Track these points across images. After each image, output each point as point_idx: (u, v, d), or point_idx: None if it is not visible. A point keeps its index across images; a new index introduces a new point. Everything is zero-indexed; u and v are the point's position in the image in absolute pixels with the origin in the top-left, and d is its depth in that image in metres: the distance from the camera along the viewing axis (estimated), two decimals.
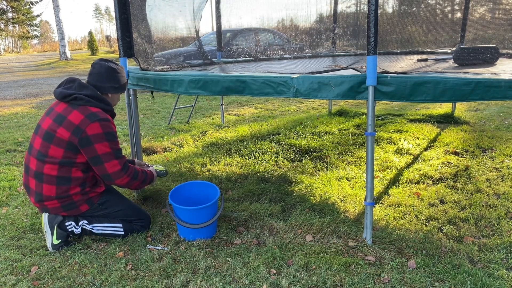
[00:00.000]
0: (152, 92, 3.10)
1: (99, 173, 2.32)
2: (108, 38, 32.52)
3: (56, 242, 2.32)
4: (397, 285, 1.92)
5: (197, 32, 3.93)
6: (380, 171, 3.44)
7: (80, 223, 2.39)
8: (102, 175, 2.32)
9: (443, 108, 5.86)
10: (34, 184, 2.31)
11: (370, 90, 2.08)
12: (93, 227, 2.41)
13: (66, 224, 2.36)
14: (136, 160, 2.83)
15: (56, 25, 18.60)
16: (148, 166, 2.79)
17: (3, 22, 26.47)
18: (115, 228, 2.45)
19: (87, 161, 2.31)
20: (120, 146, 4.52)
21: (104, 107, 2.38)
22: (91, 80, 2.43)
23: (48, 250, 2.34)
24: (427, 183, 3.15)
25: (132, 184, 2.43)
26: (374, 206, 2.73)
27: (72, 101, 2.30)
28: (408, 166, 3.53)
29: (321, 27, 5.05)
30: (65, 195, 2.30)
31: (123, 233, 2.46)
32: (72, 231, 2.38)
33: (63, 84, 2.39)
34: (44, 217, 2.35)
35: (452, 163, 3.52)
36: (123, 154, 2.40)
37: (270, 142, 4.29)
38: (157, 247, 2.33)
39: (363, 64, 2.22)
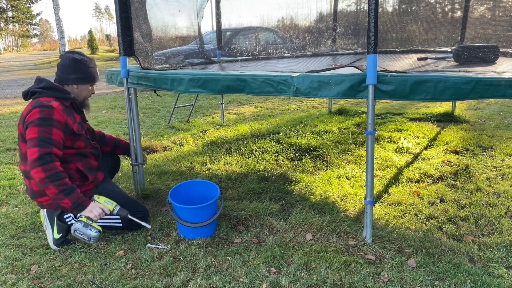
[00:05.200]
0: (155, 91, 3.10)
1: None
2: (108, 37, 32.49)
3: (57, 236, 2.33)
4: (397, 283, 1.92)
5: (199, 30, 3.93)
6: (380, 170, 3.44)
7: (78, 215, 2.40)
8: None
9: (443, 107, 5.86)
10: (27, 182, 2.38)
11: (370, 89, 2.08)
12: None
13: (65, 216, 2.38)
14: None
15: (56, 24, 18.57)
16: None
17: (3, 21, 26.45)
18: (113, 220, 2.45)
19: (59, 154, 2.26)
20: None
21: (59, 95, 2.35)
22: (58, 72, 2.46)
23: (48, 248, 2.35)
24: (427, 182, 3.15)
25: (46, 185, 2.13)
26: (374, 205, 2.73)
27: (30, 97, 2.35)
28: (408, 165, 3.53)
29: (321, 26, 5.05)
30: None
31: (121, 224, 2.46)
32: (72, 223, 2.39)
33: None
34: (43, 212, 2.39)
35: (452, 162, 3.52)
36: (53, 149, 2.18)
37: (270, 141, 4.29)
38: (157, 246, 2.33)
39: (363, 63, 2.22)
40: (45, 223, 2.36)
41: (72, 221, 2.39)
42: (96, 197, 2.30)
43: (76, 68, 2.44)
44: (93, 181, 2.45)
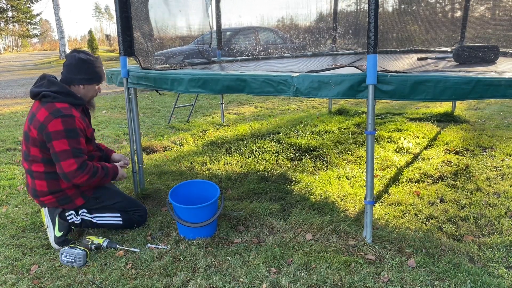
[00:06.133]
0: (157, 90, 3.09)
1: (58, 172, 2.26)
2: (108, 37, 32.50)
3: (58, 234, 2.33)
4: (397, 283, 1.92)
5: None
6: (380, 170, 3.44)
7: (80, 212, 2.43)
8: (60, 174, 2.26)
9: (443, 107, 5.86)
10: (30, 180, 2.38)
11: (370, 89, 2.08)
12: (93, 217, 2.45)
13: (67, 214, 2.40)
14: (114, 154, 2.77)
15: (56, 24, 18.59)
16: (126, 161, 2.71)
17: (3, 20, 26.44)
18: (114, 217, 2.48)
19: None
20: (119, 145, 4.52)
21: (73, 101, 2.33)
22: (64, 72, 2.42)
23: (48, 248, 2.35)
24: (427, 182, 3.15)
25: (92, 181, 2.32)
26: (374, 205, 2.73)
27: (42, 99, 2.30)
28: (408, 165, 3.53)
29: (321, 26, 5.05)
30: (58, 190, 2.34)
31: (121, 222, 2.49)
32: (73, 221, 2.42)
33: (36, 82, 2.39)
34: (44, 210, 2.39)
35: (452, 162, 3.52)
36: (86, 157, 2.30)
37: (270, 141, 4.29)
38: (157, 246, 2.33)
39: (363, 62, 2.22)
40: (47, 221, 2.37)
41: (73, 218, 2.41)
42: (88, 237, 2.35)
43: (83, 68, 2.41)
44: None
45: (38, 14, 29.23)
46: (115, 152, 2.84)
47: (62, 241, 2.34)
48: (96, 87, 2.52)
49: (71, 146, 2.22)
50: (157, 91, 3.23)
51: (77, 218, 2.42)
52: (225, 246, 2.32)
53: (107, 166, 2.44)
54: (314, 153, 3.89)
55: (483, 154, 3.74)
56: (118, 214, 2.48)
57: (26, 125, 2.33)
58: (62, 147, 2.21)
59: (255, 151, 3.97)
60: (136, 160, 3.02)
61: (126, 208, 2.50)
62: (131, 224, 2.52)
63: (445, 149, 3.90)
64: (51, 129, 2.19)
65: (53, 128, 2.19)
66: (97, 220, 2.46)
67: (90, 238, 2.33)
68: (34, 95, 2.32)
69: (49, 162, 2.29)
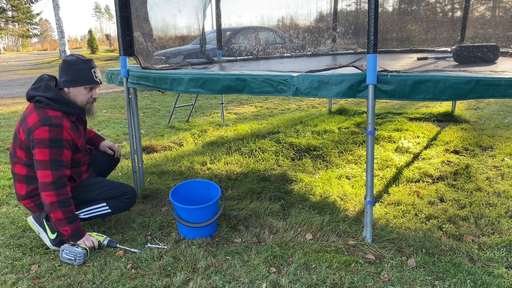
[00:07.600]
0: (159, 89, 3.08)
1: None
2: (108, 36, 32.51)
3: (52, 236, 2.31)
4: (397, 283, 1.92)
5: (203, 30, 3.92)
6: (380, 170, 3.44)
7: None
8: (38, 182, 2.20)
9: (443, 106, 5.86)
10: (14, 183, 2.37)
11: (370, 89, 2.08)
12: (80, 212, 2.41)
13: None
14: (103, 142, 2.80)
15: (56, 24, 18.57)
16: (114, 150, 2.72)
17: (3, 20, 26.44)
18: (101, 208, 2.44)
19: None
20: (119, 145, 4.51)
21: (67, 110, 2.27)
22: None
23: (48, 248, 2.34)
24: (427, 182, 3.15)
25: (54, 209, 2.15)
26: (374, 205, 2.73)
27: (36, 103, 2.25)
28: (408, 164, 3.53)
29: (321, 26, 5.05)
30: (35, 194, 2.32)
31: (109, 210, 2.45)
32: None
33: (35, 83, 2.35)
34: (30, 219, 2.39)
35: (452, 162, 3.52)
36: (65, 171, 2.19)
37: (270, 140, 4.29)
38: (157, 246, 2.33)
39: (363, 62, 2.22)
40: (36, 229, 2.36)
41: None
42: (88, 234, 2.34)
43: (66, 70, 2.32)
44: (79, 182, 2.45)
45: (38, 14, 29.21)
46: (104, 140, 2.83)
47: (60, 241, 2.33)
48: (87, 91, 2.36)
49: (50, 157, 2.14)
50: (159, 90, 3.22)
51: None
52: (225, 246, 2.32)
53: (78, 219, 2.24)
54: (314, 153, 3.89)
55: (483, 154, 3.75)
56: (104, 204, 2.44)
57: (17, 126, 2.30)
58: (41, 157, 2.14)
59: (255, 151, 3.97)
60: (136, 160, 3.03)
61: (111, 196, 2.46)
62: (121, 209, 2.50)
63: (445, 149, 3.90)
64: (36, 136, 2.15)
65: (39, 136, 2.14)
66: (84, 214, 2.43)
67: (91, 235, 2.33)
68: (29, 98, 2.29)
69: (30, 167, 2.26)
